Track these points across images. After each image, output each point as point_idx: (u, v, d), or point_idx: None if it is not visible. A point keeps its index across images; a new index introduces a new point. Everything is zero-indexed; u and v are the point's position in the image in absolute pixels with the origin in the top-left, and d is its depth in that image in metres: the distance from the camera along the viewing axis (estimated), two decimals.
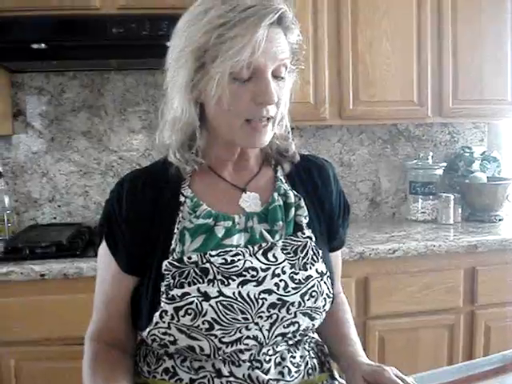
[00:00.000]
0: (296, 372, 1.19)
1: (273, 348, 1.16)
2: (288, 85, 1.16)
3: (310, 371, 1.23)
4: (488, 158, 3.23)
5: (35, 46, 2.42)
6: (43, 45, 2.42)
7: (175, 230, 1.15)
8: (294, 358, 1.20)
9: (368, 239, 2.68)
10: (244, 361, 1.13)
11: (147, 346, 1.23)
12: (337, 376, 1.29)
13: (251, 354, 1.13)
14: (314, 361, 1.25)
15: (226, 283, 1.10)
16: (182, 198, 1.18)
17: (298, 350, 1.21)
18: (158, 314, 1.10)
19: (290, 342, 1.19)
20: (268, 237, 1.17)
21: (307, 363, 1.23)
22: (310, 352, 1.25)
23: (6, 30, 2.42)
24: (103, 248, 1.21)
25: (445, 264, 2.57)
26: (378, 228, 2.99)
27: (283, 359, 1.18)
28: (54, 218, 3.00)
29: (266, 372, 1.14)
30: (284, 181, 1.25)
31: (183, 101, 1.13)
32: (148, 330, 1.14)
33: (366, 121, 2.96)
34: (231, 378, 1.13)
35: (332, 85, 2.77)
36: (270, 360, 1.15)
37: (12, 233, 2.83)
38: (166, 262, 1.12)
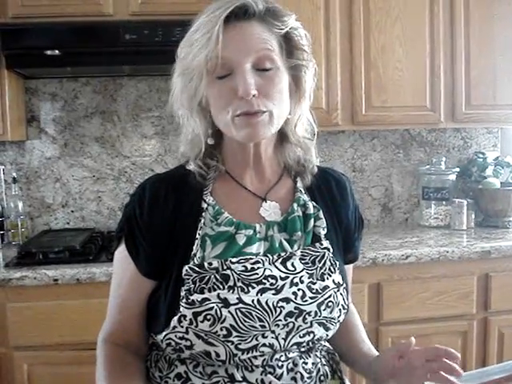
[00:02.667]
0: (308, 378, 1.19)
1: (285, 354, 1.16)
2: (283, 78, 1.14)
3: (322, 378, 1.23)
4: (501, 164, 3.21)
5: (49, 52, 2.45)
6: (57, 51, 2.45)
7: (197, 236, 1.15)
8: (306, 364, 1.19)
9: (380, 245, 2.67)
10: (257, 366, 1.13)
11: (158, 350, 1.23)
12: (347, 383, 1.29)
13: (264, 360, 1.13)
14: (326, 368, 1.25)
15: (246, 290, 1.10)
16: (203, 205, 1.18)
17: (309, 356, 1.21)
18: (176, 318, 1.10)
19: (303, 349, 1.19)
20: (287, 246, 1.18)
21: (319, 370, 1.22)
22: (322, 359, 1.25)
23: (21, 37, 2.44)
24: (121, 252, 1.21)
25: (458, 270, 2.56)
26: (390, 234, 2.98)
27: (295, 365, 1.18)
28: (67, 223, 3.01)
29: (279, 377, 1.14)
30: (303, 191, 1.25)
31: (192, 112, 1.17)
32: (164, 333, 1.13)
33: (379, 126, 2.95)
34: (244, 383, 1.13)
35: (344, 90, 2.77)
36: (282, 366, 1.15)
37: (25, 238, 2.85)
38: (186, 267, 1.12)
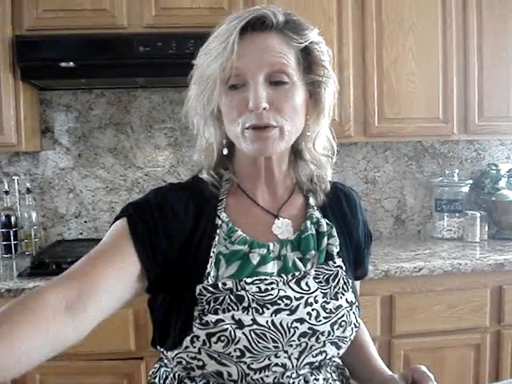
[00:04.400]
0: None
1: (296, 371, 1.14)
2: (299, 93, 1.11)
3: None
4: None
5: (63, 64, 2.47)
6: (71, 63, 2.47)
7: (211, 254, 1.12)
8: (318, 380, 1.17)
9: (393, 257, 2.66)
10: (268, 383, 1.11)
11: (167, 367, 1.21)
12: None
13: (275, 377, 1.11)
14: (337, 383, 1.23)
15: (261, 311, 1.08)
16: (217, 221, 1.16)
17: (320, 372, 1.19)
18: (189, 338, 1.07)
19: (313, 366, 1.17)
20: (300, 265, 1.16)
21: None
22: (333, 374, 1.23)
23: (36, 49, 2.47)
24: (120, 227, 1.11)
25: (471, 283, 2.54)
26: (403, 246, 2.97)
27: (307, 382, 1.15)
28: (81, 233, 3.03)
29: None
30: (315, 208, 1.23)
31: (206, 120, 1.17)
32: (176, 352, 1.10)
33: (391, 138, 2.95)
34: None
35: (357, 102, 2.78)
36: (293, 383, 1.13)
37: (39, 248, 2.87)
38: (200, 287, 1.09)
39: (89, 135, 3.00)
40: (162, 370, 1.23)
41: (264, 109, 1.06)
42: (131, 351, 2.34)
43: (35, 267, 2.42)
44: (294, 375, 1.13)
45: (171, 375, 1.18)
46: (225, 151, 1.18)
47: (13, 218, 2.86)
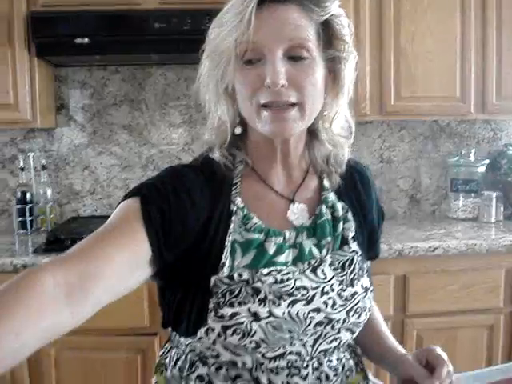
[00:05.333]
0: (334, 376, 1.16)
1: (310, 356, 1.12)
2: (318, 70, 1.04)
3: (348, 373, 1.20)
4: None
5: (78, 40, 2.46)
6: (86, 39, 2.47)
7: (226, 243, 1.07)
8: (331, 361, 1.16)
9: (407, 236, 2.65)
10: (282, 368, 1.10)
11: (178, 348, 1.18)
12: (370, 376, 1.27)
13: (289, 361, 1.10)
14: (351, 362, 1.22)
15: (277, 303, 1.05)
16: (232, 207, 1.10)
17: (333, 353, 1.17)
18: (203, 330, 1.05)
19: (327, 352, 1.15)
20: (316, 252, 1.13)
21: (344, 365, 1.20)
22: (346, 353, 1.22)
23: (50, 25, 2.47)
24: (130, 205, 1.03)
25: (485, 263, 2.53)
26: (417, 225, 2.95)
27: (320, 364, 1.14)
28: (95, 210, 3.05)
29: (305, 378, 1.11)
30: (330, 190, 1.19)
31: (219, 98, 1.10)
32: (190, 341, 1.09)
33: (407, 117, 2.93)
34: None
35: (373, 80, 2.75)
36: (307, 366, 1.12)
37: (54, 224, 2.89)
38: (214, 278, 1.05)
39: (103, 112, 3.00)
40: (173, 351, 1.20)
41: (282, 86, 0.99)
42: (145, 327, 2.36)
43: (50, 243, 2.44)
44: (307, 358, 1.12)
45: (183, 357, 1.16)
46: (238, 130, 1.13)
47: (28, 195, 2.87)
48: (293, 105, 1.02)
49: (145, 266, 1.00)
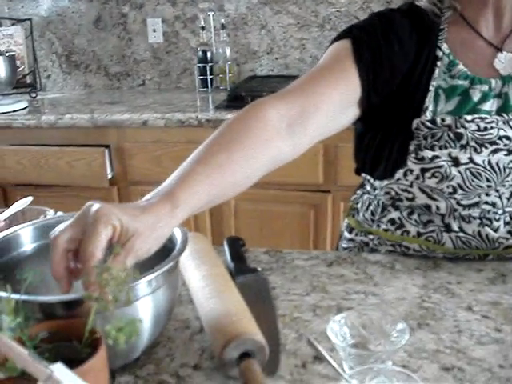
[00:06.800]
0: None
1: (503, 209, 1.11)
2: None
3: None
4: None
5: None
6: None
7: (430, 88, 1.08)
8: None
9: None
10: (475, 217, 1.10)
11: (370, 194, 1.23)
12: None
13: (482, 211, 1.10)
14: None
15: (479, 150, 1.05)
16: (438, 53, 1.09)
17: None
18: (402, 171, 1.08)
19: None
20: None
21: None
22: None
23: None
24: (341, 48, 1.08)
25: None
26: None
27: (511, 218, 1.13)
28: (271, 69, 3.08)
29: (496, 230, 1.11)
30: None
31: None
32: (386, 183, 1.12)
33: None
34: (460, 234, 1.11)
35: None
36: (499, 218, 1.11)
37: (233, 83, 2.98)
38: (417, 121, 1.07)
39: None
40: (365, 196, 1.25)
41: None
42: (319, 184, 2.44)
43: (232, 100, 2.53)
44: (500, 211, 1.11)
45: (375, 202, 1.21)
46: None
47: (208, 54, 2.97)
48: None
49: (354, 105, 1.06)
